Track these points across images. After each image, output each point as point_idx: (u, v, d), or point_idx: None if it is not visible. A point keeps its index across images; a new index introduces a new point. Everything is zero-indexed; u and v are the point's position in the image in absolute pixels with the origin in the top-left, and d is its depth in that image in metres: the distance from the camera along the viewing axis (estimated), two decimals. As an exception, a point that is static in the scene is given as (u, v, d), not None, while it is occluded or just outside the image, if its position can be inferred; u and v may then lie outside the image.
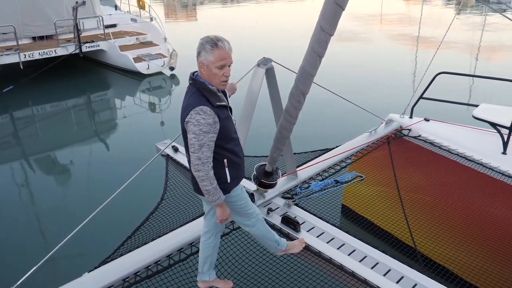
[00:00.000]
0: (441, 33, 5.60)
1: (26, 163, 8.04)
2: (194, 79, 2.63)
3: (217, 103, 2.59)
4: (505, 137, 4.48)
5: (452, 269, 3.95)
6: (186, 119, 2.53)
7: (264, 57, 3.53)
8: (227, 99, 2.82)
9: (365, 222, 4.78)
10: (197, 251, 3.17)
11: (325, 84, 4.38)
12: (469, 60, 14.59)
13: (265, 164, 3.76)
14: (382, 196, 5.00)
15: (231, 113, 2.78)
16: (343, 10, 2.83)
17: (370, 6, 28.45)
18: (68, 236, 3.02)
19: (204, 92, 2.58)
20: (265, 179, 3.70)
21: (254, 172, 3.74)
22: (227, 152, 2.72)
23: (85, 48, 13.15)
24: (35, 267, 2.82)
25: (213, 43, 2.51)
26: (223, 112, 2.63)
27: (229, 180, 2.76)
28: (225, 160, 2.71)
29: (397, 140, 5.06)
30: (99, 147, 8.95)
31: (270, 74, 3.60)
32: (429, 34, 19.06)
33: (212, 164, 2.59)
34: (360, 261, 3.19)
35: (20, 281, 2.74)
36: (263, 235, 3.12)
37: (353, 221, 5.14)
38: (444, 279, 3.13)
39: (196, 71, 2.67)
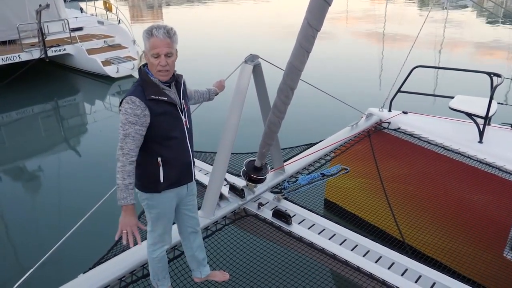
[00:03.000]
0: (406, 30, 5.75)
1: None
2: (140, 69, 2.56)
3: (153, 96, 2.46)
4: (481, 126, 4.65)
5: (433, 255, 4.07)
6: (119, 108, 2.47)
7: (251, 54, 3.54)
8: (181, 95, 2.65)
9: (349, 215, 4.86)
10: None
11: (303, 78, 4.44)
12: (436, 55, 15.01)
13: (254, 160, 3.79)
14: (365, 188, 5.10)
15: (182, 112, 2.62)
16: (330, 5, 2.89)
17: (336, 4, 28.87)
18: (60, 241, 2.96)
19: (143, 83, 2.50)
20: (254, 174, 3.72)
21: (244, 168, 3.75)
22: (163, 151, 2.56)
23: (51, 52, 12.77)
24: (27, 273, 2.75)
25: (149, 31, 2.43)
26: (161, 106, 2.49)
27: (161, 180, 2.58)
28: (159, 159, 2.55)
29: (378, 133, 5.17)
30: (69, 153, 8.69)
31: (257, 71, 3.62)
32: (395, 31, 19.53)
33: (133, 159, 2.42)
34: (352, 249, 3.26)
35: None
36: (150, 262, 2.91)
37: (337, 215, 5.21)
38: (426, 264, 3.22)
39: None
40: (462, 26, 20.82)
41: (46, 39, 12.68)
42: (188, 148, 2.69)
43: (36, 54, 12.56)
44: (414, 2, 31.81)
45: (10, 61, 12.24)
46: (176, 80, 2.65)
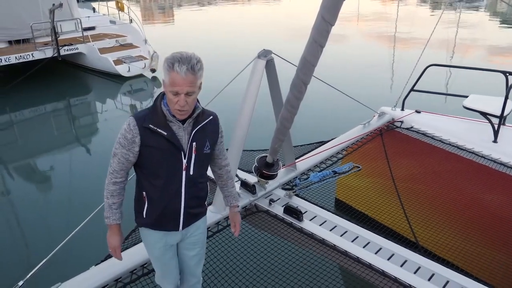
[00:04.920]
0: (418, 31, 5.72)
1: (6, 170, 7.80)
2: (160, 93, 2.29)
3: (151, 125, 2.19)
4: (496, 126, 4.59)
5: (446, 257, 4.02)
6: None
7: (264, 49, 3.54)
8: (192, 136, 2.27)
9: (360, 215, 4.82)
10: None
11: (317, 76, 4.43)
12: (449, 57, 14.89)
13: (266, 156, 3.77)
14: (377, 187, 5.06)
15: (185, 155, 2.27)
16: (344, 0, 2.87)
17: (347, 6, 28.78)
18: (68, 237, 2.97)
19: (152, 108, 2.25)
20: (266, 170, 3.71)
21: (255, 164, 3.74)
22: (148, 187, 2.33)
23: (64, 51, 12.89)
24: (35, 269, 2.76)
25: (170, 64, 2.07)
26: (156, 139, 2.20)
27: (144, 215, 2.39)
28: (144, 193, 2.34)
29: (390, 132, 5.13)
30: (80, 152, 8.74)
31: (270, 66, 3.61)
32: (407, 32, 19.41)
33: (117, 180, 2.30)
34: (364, 247, 3.23)
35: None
36: None
37: (348, 215, 5.18)
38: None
39: None
40: (476, 27, 20.62)
41: (59, 38, 12.79)
42: (180, 195, 2.35)
43: (49, 53, 12.68)
44: (425, 2, 31.61)
45: (24, 60, 12.38)
46: (196, 118, 2.29)
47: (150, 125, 2.19)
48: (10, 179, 7.40)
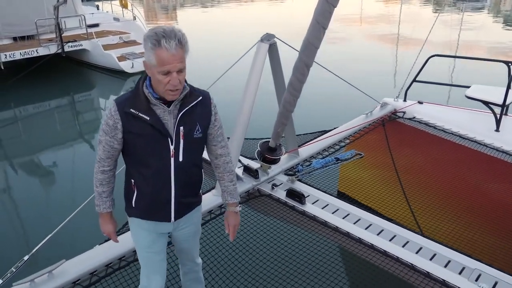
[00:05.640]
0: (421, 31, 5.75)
1: (10, 166, 7.84)
2: (141, 77, 2.12)
3: (132, 110, 2.03)
4: (498, 115, 4.61)
5: (448, 243, 4.02)
6: None
7: (267, 33, 3.56)
8: (179, 119, 2.09)
9: (363, 208, 4.83)
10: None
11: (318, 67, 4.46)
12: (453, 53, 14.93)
13: (269, 141, 3.79)
14: (379, 178, 5.07)
15: (172, 141, 2.10)
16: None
17: (349, 7, 28.84)
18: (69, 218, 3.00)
19: (134, 91, 2.09)
20: (269, 154, 3.72)
21: (258, 148, 3.76)
22: (136, 177, 2.20)
23: (68, 47, 12.95)
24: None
25: (155, 40, 1.87)
26: (138, 125, 2.05)
27: (133, 204, 2.27)
28: (132, 181, 2.22)
29: (392, 122, 5.14)
30: (84, 148, 8.80)
31: (273, 50, 3.63)
32: (410, 31, 19.41)
33: (105, 168, 2.20)
34: (366, 228, 3.24)
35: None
36: None
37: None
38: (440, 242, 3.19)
39: None
40: (479, 28, 20.61)
41: (63, 34, 12.87)
42: (170, 185, 2.19)
43: (53, 49, 12.74)
44: (425, 3, 31.61)
45: (28, 56, 12.44)
46: (183, 100, 2.10)
47: (132, 110, 2.03)
48: (15, 170, 7.46)
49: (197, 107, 2.15)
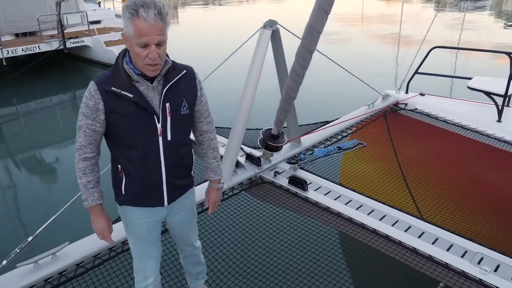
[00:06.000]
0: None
1: (12, 162, 7.84)
2: (120, 52, 1.99)
3: (113, 88, 1.91)
4: (499, 106, 4.61)
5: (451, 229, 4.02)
6: None
7: (270, 19, 3.57)
8: (164, 95, 1.98)
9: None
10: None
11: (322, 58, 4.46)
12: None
13: (271, 128, 3.80)
14: (381, 170, 5.07)
15: (159, 119, 1.99)
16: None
17: (350, 7, 28.85)
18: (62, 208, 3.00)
19: (114, 69, 1.96)
20: (271, 142, 3.73)
21: (261, 136, 3.77)
22: (122, 161, 2.06)
23: (70, 44, 12.96)
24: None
25: (133, 11, 1.77)
26: (121, 104, 1.93)
27: (123, 192, 2.13)
28: (119, 167, 2.09)
29: (394, 113, 5.15)
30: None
31: (275, 36, 3.64)
32: (411, 32, 19.42)
33: (88, 155, 2.05)
34: (368, 214, 3.25)
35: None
36: None
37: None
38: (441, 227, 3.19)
39: None
40: (481, 28, 20.60)
41: (65, 31, 12.88)
42: (160, 166, 2.07)
43: (55, 45, 12.76)
44: (425, 3, 31.61)
45: (30, 52, 12.46)
46: (166, 75, 1.99)
47: (113, 88, 1.91)
48: (18, 163, 7.48)
49: (181, 82, 2.05)
